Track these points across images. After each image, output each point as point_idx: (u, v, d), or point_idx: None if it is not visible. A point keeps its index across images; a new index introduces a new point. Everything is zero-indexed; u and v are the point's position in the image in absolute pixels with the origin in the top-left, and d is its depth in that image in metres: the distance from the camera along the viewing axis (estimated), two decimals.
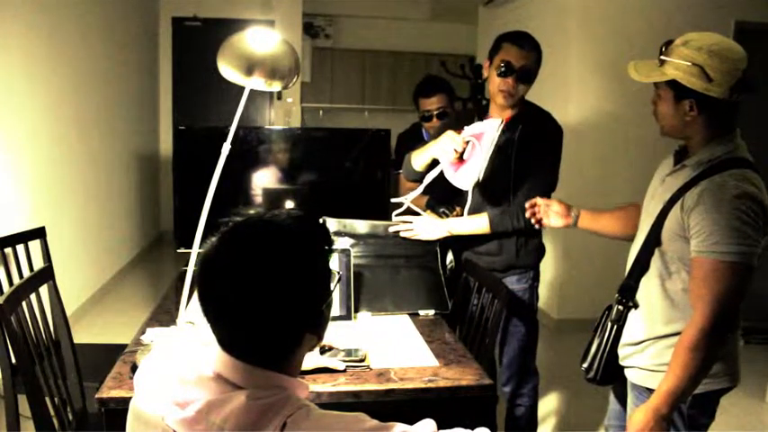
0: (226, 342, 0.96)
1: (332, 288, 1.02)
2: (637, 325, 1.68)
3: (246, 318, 0.93)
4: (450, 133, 2.14)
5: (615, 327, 1.72)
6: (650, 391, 1.63)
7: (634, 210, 1.86)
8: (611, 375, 1.75)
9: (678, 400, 1.51)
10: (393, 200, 2.29)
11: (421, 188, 2.29)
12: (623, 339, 1.72)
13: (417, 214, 2.32)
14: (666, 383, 1.51)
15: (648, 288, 1.66)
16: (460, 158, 2.12)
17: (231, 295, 0.92)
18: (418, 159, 2.32)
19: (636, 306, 1.69)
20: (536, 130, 2.24)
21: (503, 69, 2.16)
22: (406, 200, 2.30)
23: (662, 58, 1.54)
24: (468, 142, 2.12)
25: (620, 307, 1.71)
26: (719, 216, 1.45)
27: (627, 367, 1.71)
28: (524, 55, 2.16)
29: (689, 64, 1.49)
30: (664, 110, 1.59)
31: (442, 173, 2.21)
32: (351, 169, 2.72)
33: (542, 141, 2.23)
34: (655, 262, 1.64)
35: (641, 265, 1.67)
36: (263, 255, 0.93)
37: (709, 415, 1.65)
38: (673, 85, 1.53)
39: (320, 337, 1.02)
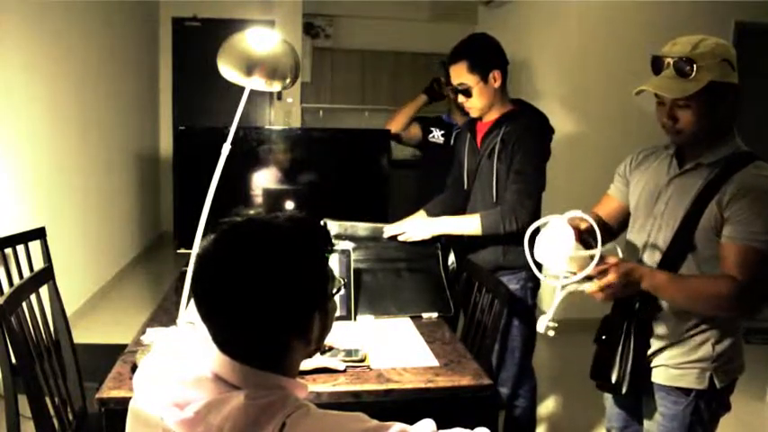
0: (219, 341, 0.96)
1: (329, 294, 1.00)
2: (664, 326, 1.66)
3: (235, 317, 0.93)
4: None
5: (640, 336, 1.67)
6: (680, 390, 1.63)
7: (598, 217, 1.85)
8: (642, 385, 1.71)
9: (653, 289, 1.55)
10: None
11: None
12: (651, 343, 1.69)
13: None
14: (664, 279, 1.54)
15: None
16: None
17: (221, 293, 0.93)
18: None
19: (659, 309, 1.66)
20: (519, 130, 2.23)
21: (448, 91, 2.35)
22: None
23: (695, 65, 1.50)
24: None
25: (641, 315, 1.67)
26: (762, 207, 1.50)
27: (653, 367, 1.69)
28: (455, 72, 2.25)
29: (719, 61, 1.51)
30: (694, 118, 1.54)
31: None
32: (351, 170, 2.72)
33: (523, 141, 2.22)
34: (687, 265, 1.62)
35: (667, 271, 1.61)
36: (253, 255, 0.93)
37: (728, 406, 1.69)
38: (709, 87, 1.50)
39: (309, 342, 0.99)
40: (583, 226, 1.59)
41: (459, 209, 2.45)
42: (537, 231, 1.60)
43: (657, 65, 1.57)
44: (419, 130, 3.31)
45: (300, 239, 0.97)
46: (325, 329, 1.02)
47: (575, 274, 1.51)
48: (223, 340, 0.96)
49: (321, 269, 0.99)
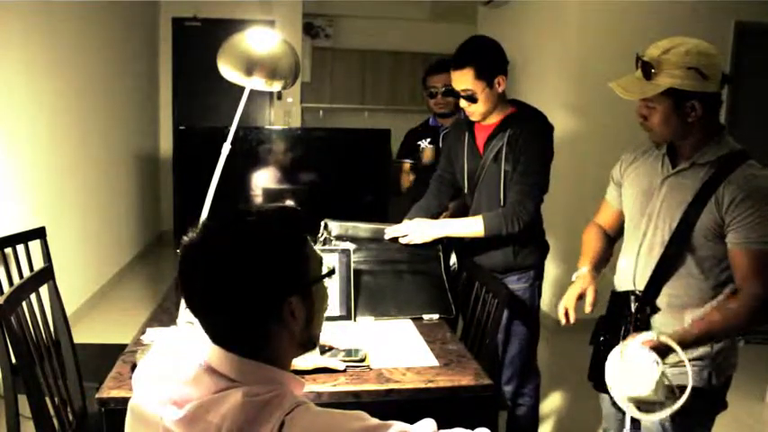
0: (207, 330, 0.97)
1: (310, 279, 0.99)
2: (662, 325, 1.66)
3: (210, 302, 0.95)
4: None
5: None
6: (678, 388, 1.63)
7: (600, 231, 1.92)
8: None
9: (685, 344, 1.52)
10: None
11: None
12: None
13: None
14: (692, 336, 1.54)
15: (677, 291, 1.65)
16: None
17: (196, 279, 0.95)
18: None
19: (655, 311, 1.67)
20: (523, 132, 2.24)
21: (446, 91, 2.41)
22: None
23: (653, 70, 1.55)
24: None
25: (639, 315, 1.68)
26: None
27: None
28: (460, 78, 2.21)
29: (684, 69, 1.51)
30: (659, 119, 1.59)
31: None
32: (351, 170, 2.72)
33: (529, 143, 2.23)
34: (685, 265, 1.63)
35: (665, 270, 1.64)
36: (223, 239, 0.95)
37: (724, 404, 1.70)
38: (670, 93, 1.54)
39: (292, 328, 0.97)
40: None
41: (442, 211, 2.50)
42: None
43: (637, 62, 1.60)
44: (431, 151, 3.19)
45: (272, 224, 0.98)
46: (313, 317, 1.00)
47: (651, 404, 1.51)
48: (208, 328, 0.97)
49: (295, 253, 0.98)
